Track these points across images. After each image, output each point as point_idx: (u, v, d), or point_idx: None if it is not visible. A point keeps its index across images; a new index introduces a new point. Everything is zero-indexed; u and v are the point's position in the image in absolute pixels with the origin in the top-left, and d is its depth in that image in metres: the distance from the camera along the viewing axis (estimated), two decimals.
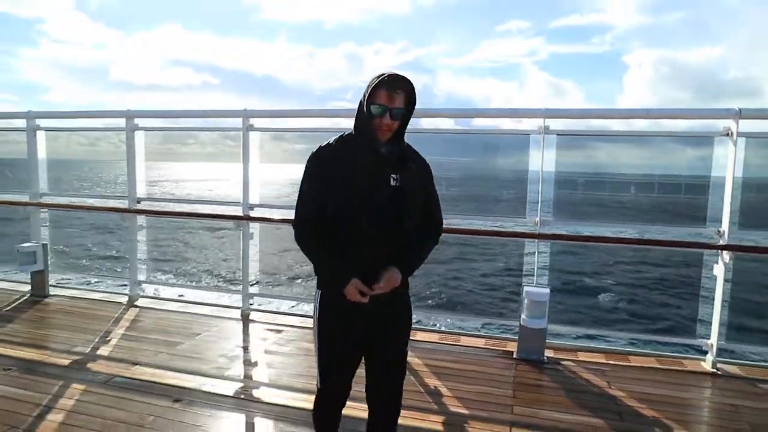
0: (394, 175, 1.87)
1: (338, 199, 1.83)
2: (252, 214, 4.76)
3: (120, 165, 5.28)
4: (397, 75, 1.79)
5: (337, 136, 1.94)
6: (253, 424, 2.85)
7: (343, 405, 2.09)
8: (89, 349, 3.84)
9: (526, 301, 3.70)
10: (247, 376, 3.45)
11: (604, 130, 4.14)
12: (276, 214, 4.79)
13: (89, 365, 3.53)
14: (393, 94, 1.79)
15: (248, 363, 3.69)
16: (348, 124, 1.96)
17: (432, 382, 3.39)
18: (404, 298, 2.01)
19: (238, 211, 4.75)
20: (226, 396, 3.13)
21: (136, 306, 4.96)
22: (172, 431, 2.68)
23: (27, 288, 5.29)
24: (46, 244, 5.33)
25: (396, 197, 1.86)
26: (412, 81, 1.81)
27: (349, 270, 1.83)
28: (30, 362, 3.56)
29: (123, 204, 5.20)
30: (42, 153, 5.53)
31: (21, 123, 5.47)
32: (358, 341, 1.97)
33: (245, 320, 4.63)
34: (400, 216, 1.88)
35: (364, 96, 1.84)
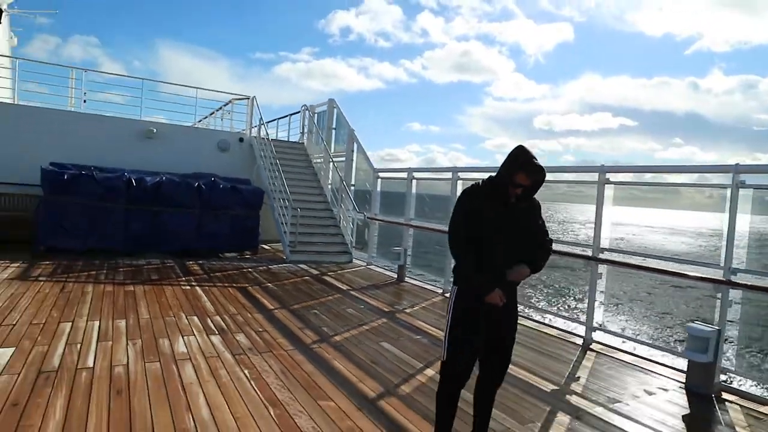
0: (515, 214, 2.65)
1: (480, 229, 2.61)
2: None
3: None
4: (537, 167, 2.56)
5: (482, 182, 2.73)
6: (553, 412, 3.67)
7: (463, 383, 2.68)
8: (412, 310, 6.56)
9: (687, 334, 4.18)
10: (553, 380, 4.31)
11: None
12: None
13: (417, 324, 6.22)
14: (525, 177, 2.57)
15: (557, 372, 4.54)
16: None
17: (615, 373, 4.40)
18: (515, 304, 2.77)
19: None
20: (540, 388, 4.10)
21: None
22: None
23: (395, 275, 8.65)
24: (406, 249, 8.59)
25: (516, 228, 2.65)
26: (543, 169, 2.58)
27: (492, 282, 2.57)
28: (381, 310, 6.51)
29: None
30: (414, 190, 8.74)
31: (404, 174, 9.00)
32: (479, 329, 2.64)
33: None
34: (520, 240, 2.65)
35: (507, 168, 2.59)
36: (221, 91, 15.28)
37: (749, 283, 4.14)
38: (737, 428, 3.64)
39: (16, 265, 7.29)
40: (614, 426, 3.49)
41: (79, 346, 4.19)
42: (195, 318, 5.30)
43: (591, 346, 5.36)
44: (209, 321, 5.24)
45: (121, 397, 3.30)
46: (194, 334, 4.75)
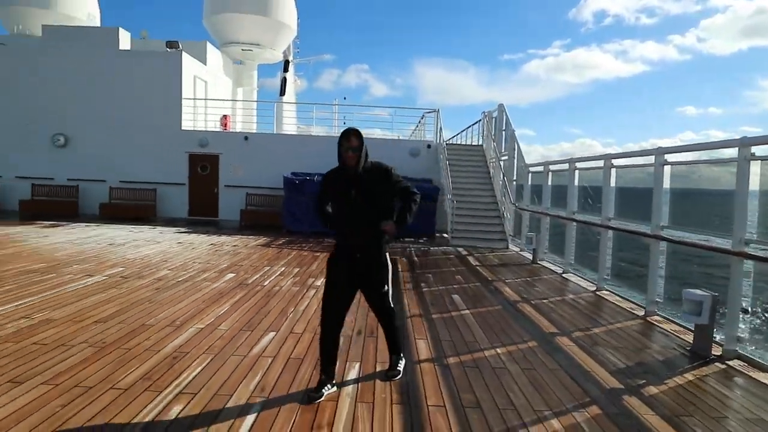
0: (361, 182, 3.32)
1: (333, 196, 3.44)
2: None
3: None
4: (348, 130, 3.32)
5: (334, 167, 3.44)
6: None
7: (339, 326, 3.42)
8: (512, 281, 7.91)
9: (683, 298, 4.70)
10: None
11: None
12: None
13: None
14: (348, 141, 3.29)
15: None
16: None
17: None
18: (380, 259, 3.48)
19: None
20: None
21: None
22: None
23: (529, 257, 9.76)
24: (536, 235, 9.60)
25: (362, 192, 3.32)
26: (357, 130, 3.30)
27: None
28: (485, 278, 8.03)
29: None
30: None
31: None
32: (350, 282, 3.44)
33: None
34: (364, 205, 3.35)
35: (338, 145, 3.31)
36: (414, 108, 18.22)
37: None
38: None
39: (265, 239, 11.26)
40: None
41: (266, 276, 7.18)
42: None
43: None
44: None
45: (268, 297, 6.00)
46: None
